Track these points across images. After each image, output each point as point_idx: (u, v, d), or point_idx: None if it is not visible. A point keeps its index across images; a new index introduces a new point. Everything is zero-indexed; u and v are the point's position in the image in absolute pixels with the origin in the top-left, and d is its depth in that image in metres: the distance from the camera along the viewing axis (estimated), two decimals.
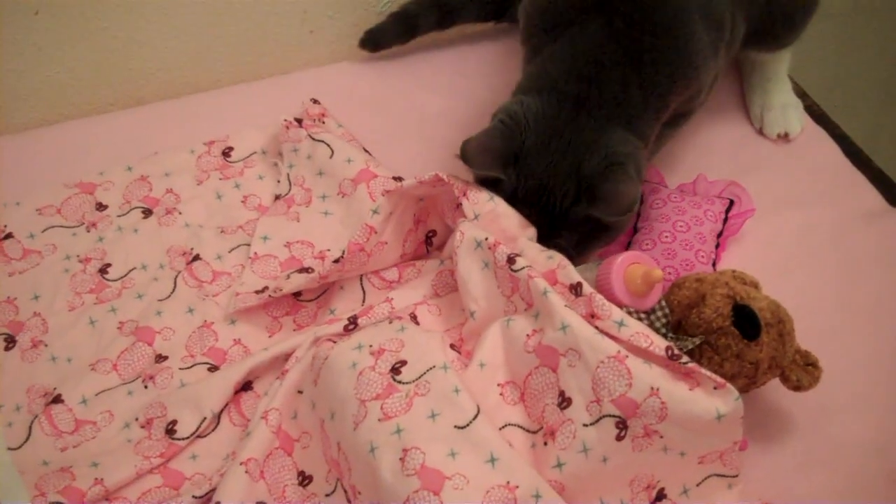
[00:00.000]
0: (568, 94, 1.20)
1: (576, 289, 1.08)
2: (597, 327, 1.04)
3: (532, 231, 1.20)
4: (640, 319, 1.08)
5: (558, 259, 1.13)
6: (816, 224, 1.39)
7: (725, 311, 1.06)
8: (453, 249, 1.18)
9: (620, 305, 1.08)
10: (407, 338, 1.10)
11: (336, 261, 1.22)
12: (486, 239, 1.15)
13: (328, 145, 1.39)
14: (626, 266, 1.12)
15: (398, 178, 1.34)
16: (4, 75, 1.51)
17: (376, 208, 1.22)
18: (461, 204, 1.20)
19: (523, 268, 1.10)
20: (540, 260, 1.14)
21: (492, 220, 1.19)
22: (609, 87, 1.20)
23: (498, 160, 1.19)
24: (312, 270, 1.26)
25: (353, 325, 1.17)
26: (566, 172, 1.18)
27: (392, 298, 1.21)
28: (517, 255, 1.12)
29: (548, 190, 1.18)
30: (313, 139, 1.40)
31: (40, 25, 1.47)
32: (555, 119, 1.19)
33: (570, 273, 1.10)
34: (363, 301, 1.26)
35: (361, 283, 1.27)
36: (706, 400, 0.99)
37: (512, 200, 1.20)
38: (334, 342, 1.14)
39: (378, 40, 1.63)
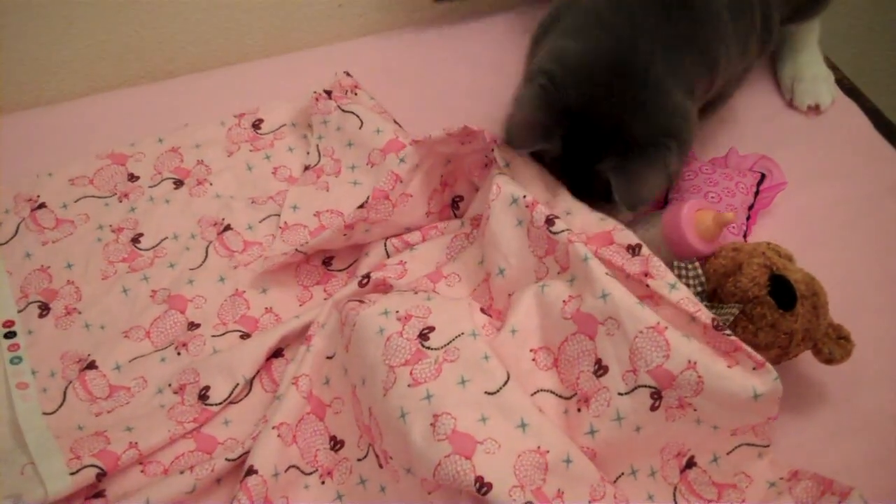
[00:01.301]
0: (618, 28, 1.13)
1: (634, 249, 1.08)
2: (648, 286, 1.04)
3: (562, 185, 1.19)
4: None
5: (612, 222, 1.12)
6: (847, 197, 1.38)
7: (762, 280, 1.06)
8: (487, 202, 1.17)
9: (689, 252, 1.10)
10: (434, 305, 1.11)
11: (361, 206, 1.22)
12: (524, 197, 1.13)
13: (358, 116, 1.39)
14: (695, 211, 1.13)
15: None
16: (36, 48, 1.52)
17: (403, 157, 1.22)
18: (493, 150, 1.19)
19: (563, 231, 1.09)
20: (591, 221, 1.13)
21: (524, 167, 1.18)
22: (659, 17, 1.13)
23: (545, 133, 1.14)
24: None
25: (366, 279, 1.19)
26: (609, 129, 1.12)
27: (405, 262, 1.22)
28: (556, 216, 1.11)
29: (589, 150, 1.14)
30: (343, 110, 1.40)
31: None
32: (602, 58, 1.12)
33: (629, 235, 1.10)
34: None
35: (385, 247, 1.27)
36: (744, 378, 0.99)
37: (556, 166, 1.18)
38: (360, 301, 1.15)
39: None
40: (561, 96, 1.13)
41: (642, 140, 1.12)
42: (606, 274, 1.05)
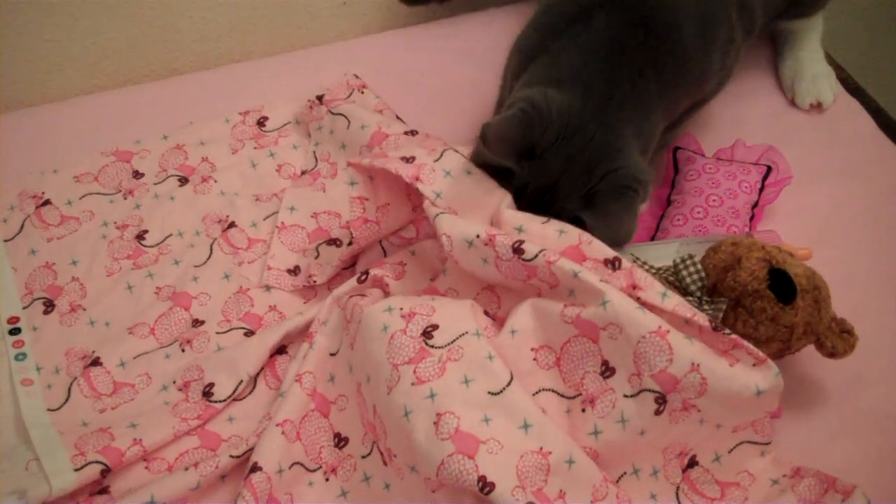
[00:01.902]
0: (593, 85, 1.16)
1: (612, 263, 1.06)
2: (639, 298, 1.03)
3: (505, 197, 1.16)
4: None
5: (576, 233, 1.09)
6: (851, 196, 1.38)
7: (761, 274, 1.06)
8: (447, 254, 1.13)
9: None
10: (438, 304, 1.10)
11: (349, 244, 1.22)
12: (478, 236, 1.09)
13: (345, 117, 1.39)
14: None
15: (411, 133, 1.33)
16: (42, 45, 1.52)
17: (351, 180, 1.21)
18: (419, 189, 1.16)
19: (538, 255, 1.06)
20: (549, 235, 1.10)
21: (455, 194, 1.15)
22: (629, 77, 1.17)
23: (514, 150, 1.13)
24: (340, 243, 1.26)
25: (364, 275, 1.19)
26: (580, 171, 1.14)
27: (405, 263, 1.22)
28: (521, 241, 1.07)
29: (556, 187, 1.14)
30: (333, 114, 1.41)
31: None
32: (581, 113, 1.14)
33: (601, 248, 1.08)
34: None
35: (381, 244, 1.27)
36: (746, 376, 0.99)
37: (519, 195, 1.16)
38: (362, 296, 1.16)
39: None
40: (541, 127, 1.13)
41: (612, 184, 1.14)
42: (601, 281, 1.04)
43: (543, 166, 1.14)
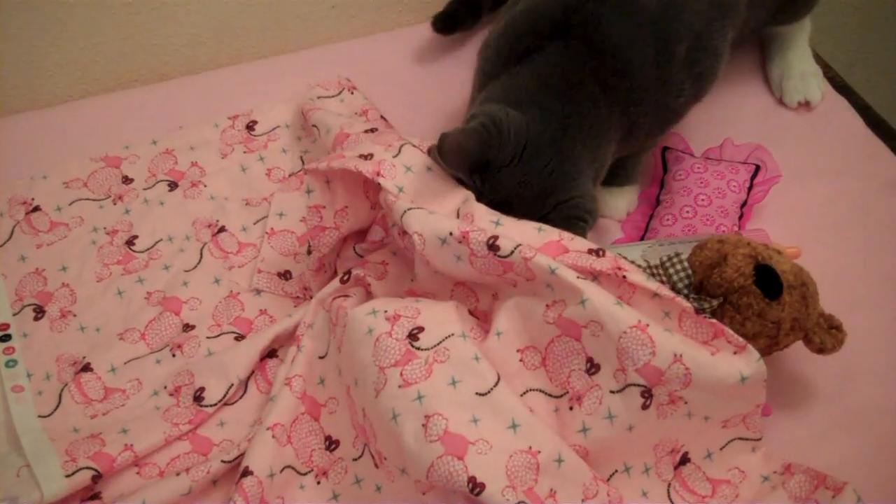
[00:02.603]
0: (550, 111, 1.15)
1: (596, 252, 1.07)
2: (624, 278, 1.03)
3: (469, 193, 1.15)
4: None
5: (557, 231, 1.10)
6: (839, 194, 1.39)
7: (747, 270, 1.06)
8: (419, 254, 1.11)
9: None
10: (423, 307, 1.10)
11: (308, 252, 1.22)
12: (451, 234, 1.07)
13: (317, 127, 1.39)
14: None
15: (370, 131, 1.32)
16: (30, 51, 1.52)
17: (307, 188, 1.20)
18: (380, 184, 1.13)
19: (514, 250, 1.05)
20: (527, 231, 1.10)
21: (418, 190, 1.14)
22: (584, 105, 1.17)
23: (468, 163, 1.13)
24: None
25: (347, 275, 1.19)
26: (533, 195, 1.15)
27: (388, 263, 1.22)
28: (496, 237, 1.05)
29: (509, 207, 1.13)
30: (311, 125, 1.41)
31: (65, 1, 1.48)
32: (538, 137, 1.14)
33: (584, 241, 1.09)
34: None
35: (355, 249, 1.26)
36: (729, 364, 1.00)
37: None
38: (346, 296, 1.16)
39: (449, 23, 1.61)
40: (498, 144, 1.12)
41: (562, 214, 1.15)
42: (578, 278, 1.03)
43: (496, 184, 1.14)
